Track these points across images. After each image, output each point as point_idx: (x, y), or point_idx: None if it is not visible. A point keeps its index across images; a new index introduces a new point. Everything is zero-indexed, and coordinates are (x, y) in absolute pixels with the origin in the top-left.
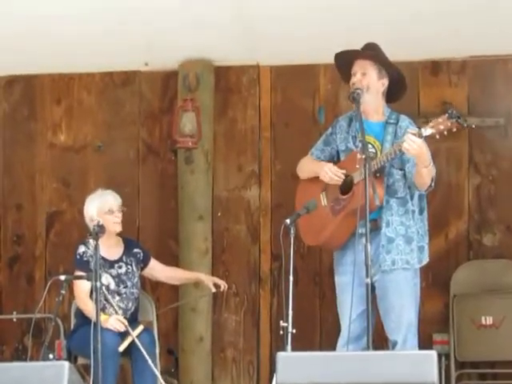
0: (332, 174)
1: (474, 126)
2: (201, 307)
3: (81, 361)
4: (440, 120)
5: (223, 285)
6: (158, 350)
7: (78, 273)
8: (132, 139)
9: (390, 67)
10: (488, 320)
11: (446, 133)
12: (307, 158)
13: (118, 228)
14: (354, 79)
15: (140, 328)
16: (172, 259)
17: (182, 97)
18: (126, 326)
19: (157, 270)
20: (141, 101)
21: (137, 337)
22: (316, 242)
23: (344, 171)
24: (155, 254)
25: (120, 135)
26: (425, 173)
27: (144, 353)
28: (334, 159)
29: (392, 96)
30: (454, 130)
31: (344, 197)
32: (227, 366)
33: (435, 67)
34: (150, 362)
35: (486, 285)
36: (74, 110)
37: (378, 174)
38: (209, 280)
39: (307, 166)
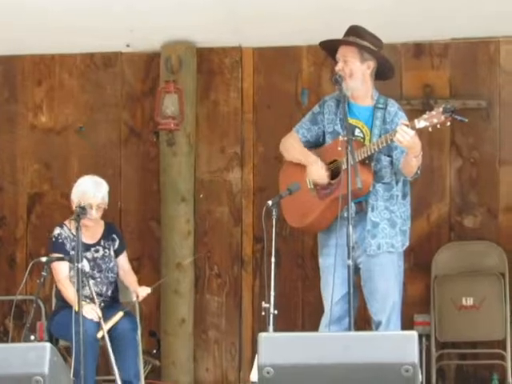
0: (320, 174)
1: (466, 121)
2: (183, 289)
3: (62, 343)
4: (434, 113)
5: (140, 295)
6: (139, 333)
7: (54, 255)
8: (114, 121)
9: (370, 52)
10: (469, 301)
11: (439, 126)
12: (293, 138)
13: (89, 224)
14: (336, 67)
15: (119, 315)
16: (154, 241)
17: (165, 79)
18: (99, 318)
19: (120, 267)
20: (123, 83)
21: (116, 323)
22: (300, 224)
23: (328, 174)
24: (138, 236)
25: (102, 117)
26: (413, 162)
27: (109, 347)
28: (320, 140)
29: (381, 75)
30: (448, 124)
31: (332, 181)
32: (209, 348)
33: (418, 50)
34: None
35: (466, 266)
36: (55, 91)
37: (366, 161)
38: (135, 290)
39: (294, 152)
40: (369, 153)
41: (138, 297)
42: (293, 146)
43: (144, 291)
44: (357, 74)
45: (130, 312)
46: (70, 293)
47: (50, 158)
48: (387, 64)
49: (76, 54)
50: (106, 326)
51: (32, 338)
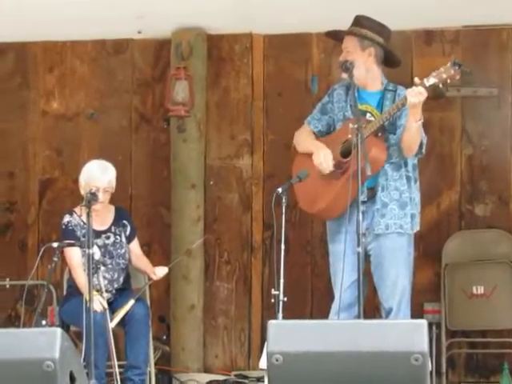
0: (325, 161)
1: (471, 72)
2: (192, 275)
3: (73, 328)
4: (442, 69)
5: (157, 275)
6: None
7: (65, 241)
8: (125, 107)
9: (370, 39)
10: (479, 289)
11: (449, 81)
12: (305, 130)
13: (97, 208)
14: (340, 57)
15: (130, 303)
16: (164, 228)
17: (175, 65)
18: (105, 310)
19: (132, 252)
20: (133, 69)
21: (128, 311)
22: (318, 207)
23: (333, 162)
24: (147, 223)
25: (113, 103)
26: (415, 131)
27: (111, 338)
28: (331, 128)
29: (389, 62)
30: (457, 77)
31: (345, 160)
32: (219, 334)
33: (429, 36)
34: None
35: (477, 254)
36: (66, 78)
37: (379, 134)
38: (152, 271)
39: (304, 143)
40: (381, 122)
41: (155, 275)
42: (304, 140)
43: (162, 271)
44: (359, 63)
45: (142, 298)
46: (81, 281)
47: (62, 144)
48: (388, 50)
49: (87, 41)
50: (118, 316)
51: (43, 322)
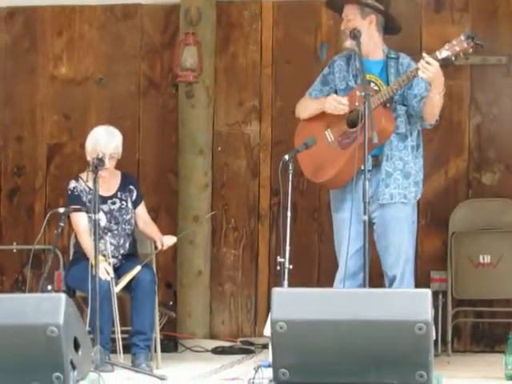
0: (336, 102)
1: (484, 45)
2: (199, 241)
3: (80, 293)
4: (455, 42)
5: (165, 244)
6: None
7: (72, 207)
8: (133, 73)
9: (370, 6)
10: (486, 258)
11: (462, 54)
12: (306, 99)
13: (104, 174)
14: (341, 26)
15: (137, 269)
16: (172, 193)
17: (184, 31)
18: (111, 278)
19: (140, 217)
20: (142, 34)
21: (134, 276)
22: (325, 177)
23: (347, 100)
24: (155, 188)
25: (121, 69)
26: (437, 101)
27: (114, 301)
28: None
29: (390, 29)
30: (470, 50)
31: (352, 130)
32: (225, 300)
33: (438, 4)
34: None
35: (484, 223)
36: (75, 42)
37: (387, 105)
38: (160, 239)
39: (309, 104)
40: (390, 93)
41: (162, 245)
42: (308, 103)
43: (170, 240)
44: (361, 31)
45: (148, 264)
46: (87, 246)
47: (70, 109)
48: (390, 16)
49: (96, 6)
50: (124, 281)
51: (49, 287)
